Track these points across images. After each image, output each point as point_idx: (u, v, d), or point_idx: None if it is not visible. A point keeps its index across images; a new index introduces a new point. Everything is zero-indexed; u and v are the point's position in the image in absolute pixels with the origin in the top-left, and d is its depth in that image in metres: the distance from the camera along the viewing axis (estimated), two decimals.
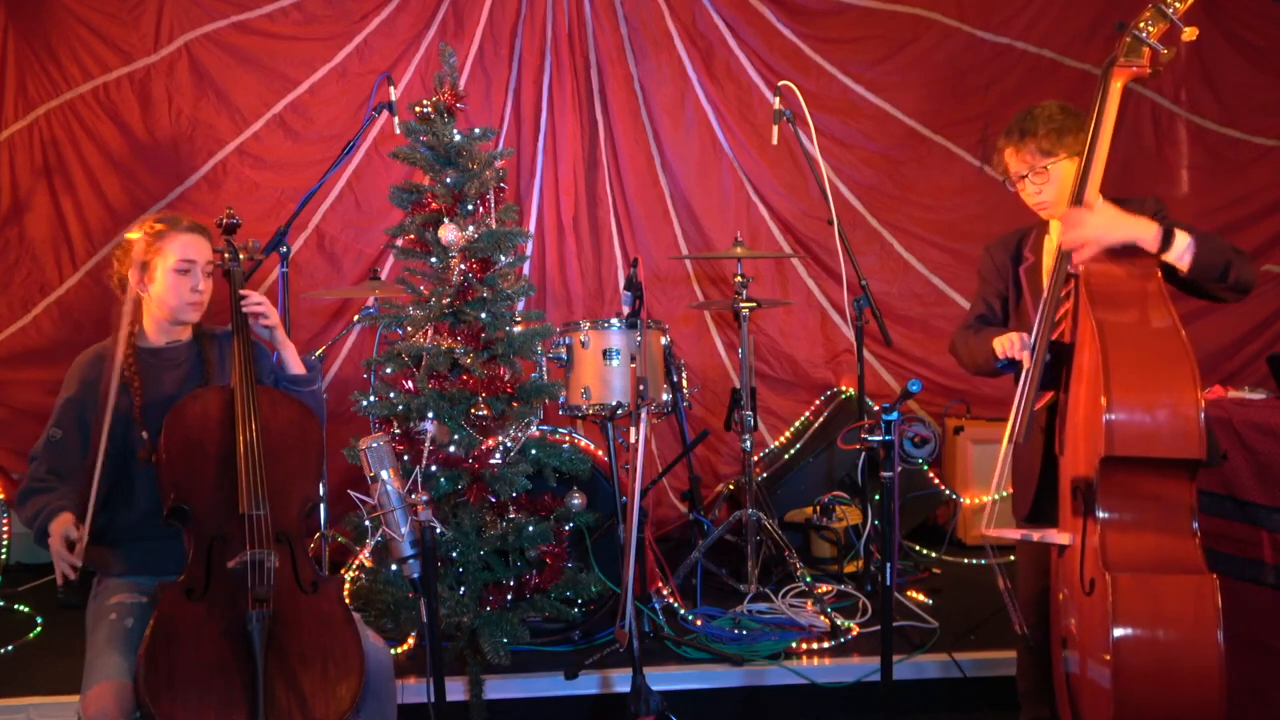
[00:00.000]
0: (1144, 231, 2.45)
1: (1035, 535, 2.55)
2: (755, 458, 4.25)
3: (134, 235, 2.64)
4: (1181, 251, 2.43)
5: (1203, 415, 2.26)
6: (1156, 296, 2.42)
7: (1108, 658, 2.22)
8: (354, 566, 3.86)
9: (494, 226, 3.58)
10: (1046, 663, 2.67)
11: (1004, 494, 2.71)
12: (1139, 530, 2.32)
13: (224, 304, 2.71)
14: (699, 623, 3.67)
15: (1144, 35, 2.52)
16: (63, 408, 2.60)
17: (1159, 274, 2.46)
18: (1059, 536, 2.50)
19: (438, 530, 2.24)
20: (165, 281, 2.62)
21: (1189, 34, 2.49)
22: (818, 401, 5.02)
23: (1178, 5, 2.48)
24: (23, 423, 4.65)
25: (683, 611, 3.72)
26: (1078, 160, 2.63)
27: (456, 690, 3.18)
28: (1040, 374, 2.54)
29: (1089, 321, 2.41)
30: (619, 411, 3.69)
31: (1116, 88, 2.57)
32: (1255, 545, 2.94)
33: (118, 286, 2.67)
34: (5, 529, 4.44)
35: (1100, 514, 2.34)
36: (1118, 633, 2.21)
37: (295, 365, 2.75)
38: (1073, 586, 2.45)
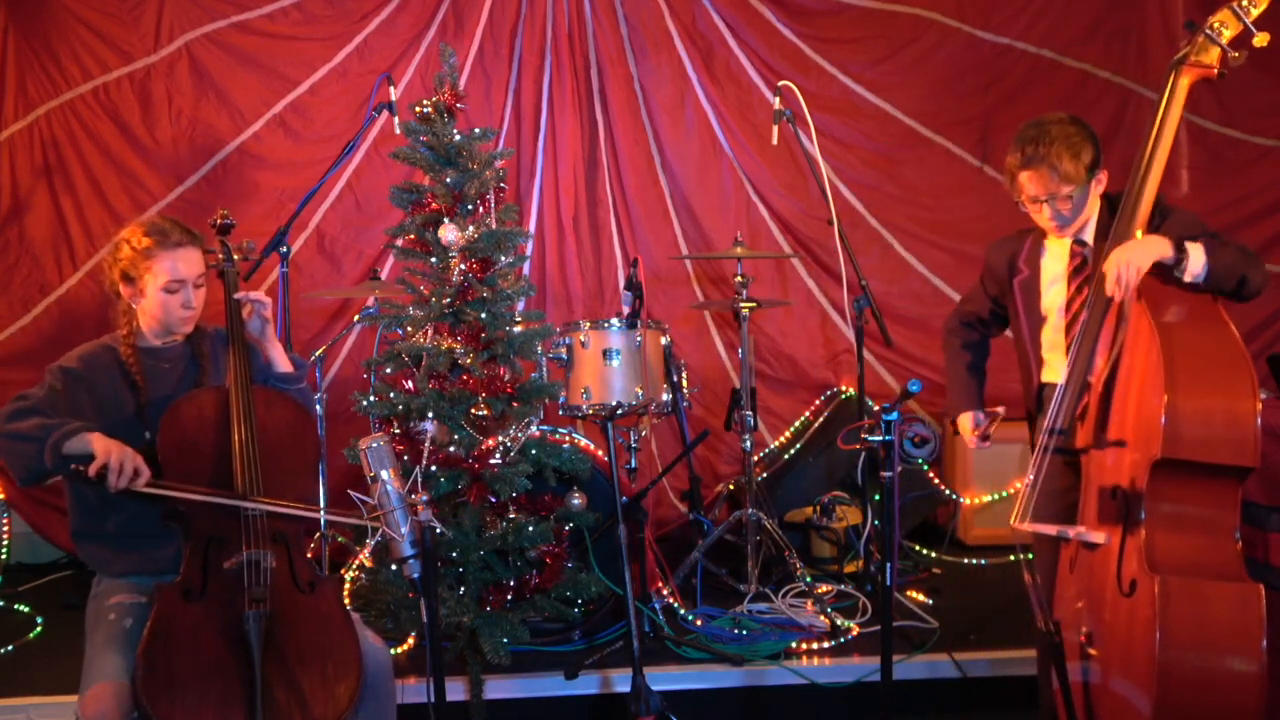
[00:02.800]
0: (1160, 251, 2.45)
1: (1071, 531, 2.54)
2: (755, 458, 4.25)
3: (122, 241, 2.61)
4: (1197, 270, 2.43)
5: (1259, 423, 2.26)
6: (1208, 299, 2.43)
7: (1150, 657, 2.21)
8: (354, 566, 3.86)
9: (494, 226, 3.58)
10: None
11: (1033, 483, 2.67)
12: (1185, 535, 2.32)
13: (219, 304, 2.71)
14: (699, 623, 3.67)
15: (1217, 36, 2.50)
16: (62, 372, 2.54)
17: None
18: (1095, 535, 2.49)
19: (438, 530, 2.24)
20: (155, 299, 2.60)
21: (1261, 39, 2.46)
22: (818, 401, 5.01)
23: (1253, 9, 2.47)
24: None
25: (683, 611, 3.72)
26: (1104, 181, 2.64)
27: (456, 690, 3.18)
28: (1076, 395, 2.56)
29: (1144, 322, 2.39)
30: (619, 412, 3.69)
31: (1184, 85, 2.53)
32: (1255, 545, 2.93)
33: (111, 290, 2.67)
34: (5, 529, 4.44)
35: (1146, 516, 2.33)
36: (1164, 634, 2.20)
37: (283, 364, 2.75)
38: (1104, 588, 2.44)
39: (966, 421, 2.91)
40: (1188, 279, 2.44)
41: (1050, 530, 2.60)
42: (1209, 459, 2.29)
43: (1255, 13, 2.47)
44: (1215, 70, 2.52)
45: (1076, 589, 2.59)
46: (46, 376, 2.55)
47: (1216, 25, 2.50)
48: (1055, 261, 2.79)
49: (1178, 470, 2.29)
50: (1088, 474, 2.59)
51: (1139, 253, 2.45)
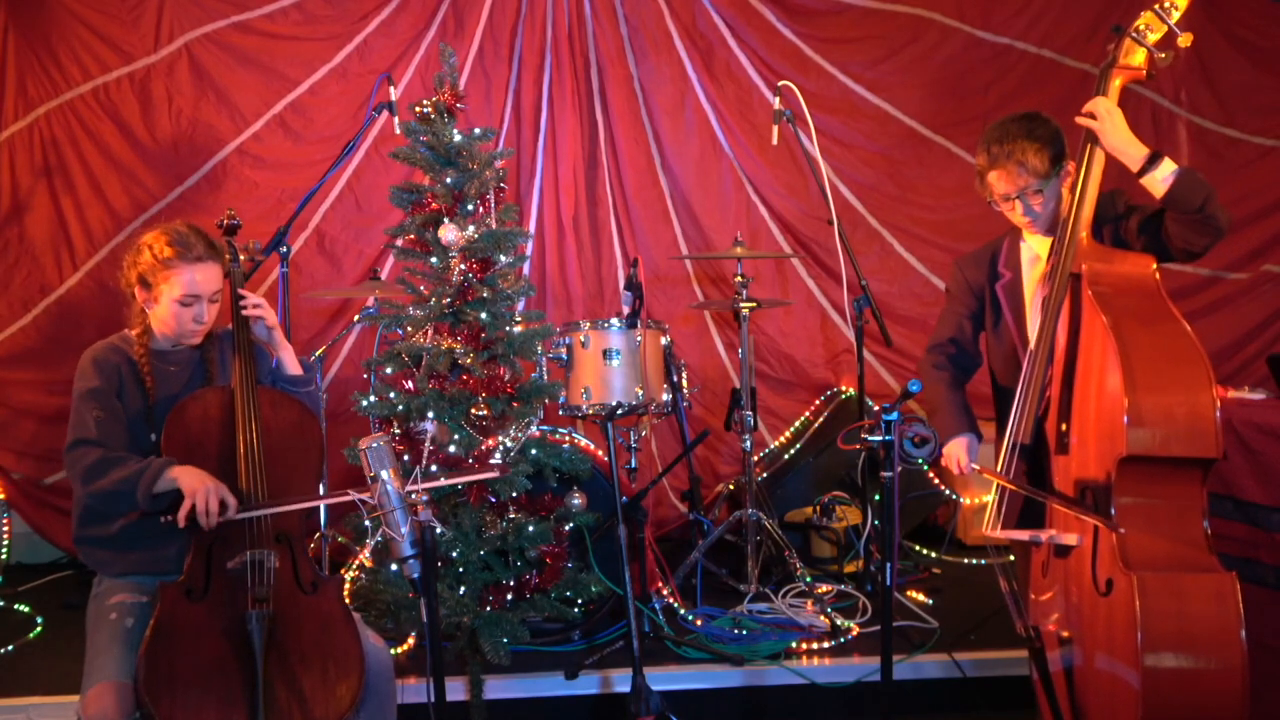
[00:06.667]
0: (1133, 150, 2.50)
1: (1044, 535, 2.55)
2: (755, 458, 4.25)
3: (145, 246, 2.60)
4: (1166, 176, 2.47)
5: (1218, 415, 2.29)
6: (1159, 295, 2.45)
7: (1134, 657, 2.22)
8: (354, 566, 3.86)
9: (494, 226, 3.58)
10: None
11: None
12: (1157, 529, 2.33)
13: (224, 304, 2.71)
14: (699, 623, 3.67)
15: (1142, 38, 2.53)
16: (92, 395, 2.52)
17: (1156, 271, 2.49)
18: (1067, 537, 2.50)
19: (438, 530, 2.24)
20: (168, 309, 2.58)
21: (1185, 39, 2.51)
22: (818, 401, 5.02)
23: (1174, 11, 2.50)
24: (22, 423, 4.65)
25: (683, 611, 3.72)
26: (1071, 173, 2.65)
27: (456, 690, 3.18)
28: (1040, 387, 2.55)
29: (1098, 322, 2.40)
30: (619, 412, 3.70)
31: (1115, 87, 2.57)
32: (1255, 545, 2.94)
33: (127, 290, 2.66)
34: (5, 529, 4.44)
35: (1117, 513, 2.34)
36: (1146, 632, 2.21)
37: (293, 366, 2.75)
38: (1080, 587, 2.45)
39: (960, 450, 2.86)
40: (1153, 188, 2.49)
41: (1023, 536, 2.62)
42: (1174, 453, 2.31)
43: (1177, 15, 2.51)
44: (1144, 72, 2.58)
45: (1050, 593, 2.60)
46: (81, 407, 2.51)
47: (1141, 28, 2.55)
48: (1037, 262, 2.80)
49: (1144, 466, 2.31)
50: (1054, 476, 2.59)
51: (1117, 134, 2.52)
